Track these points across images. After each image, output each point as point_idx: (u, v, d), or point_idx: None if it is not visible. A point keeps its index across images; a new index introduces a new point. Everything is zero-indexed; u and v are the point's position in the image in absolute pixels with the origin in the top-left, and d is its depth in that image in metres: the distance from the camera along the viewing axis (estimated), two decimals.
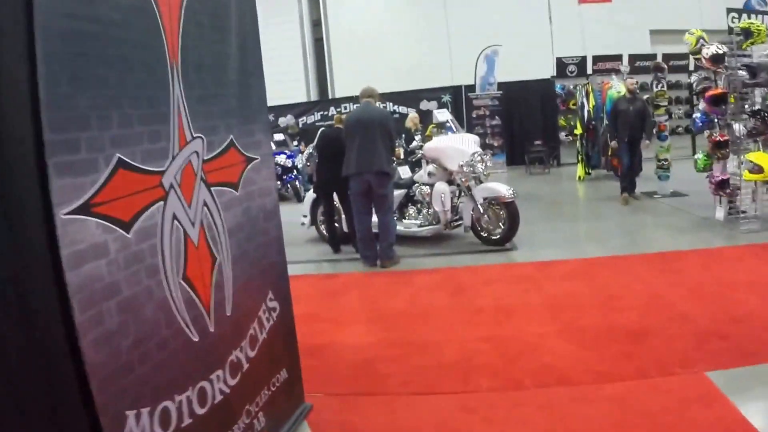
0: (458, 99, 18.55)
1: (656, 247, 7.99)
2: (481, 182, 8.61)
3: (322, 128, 9.72)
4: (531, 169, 16.89)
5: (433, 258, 8.28)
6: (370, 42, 20.03)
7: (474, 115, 17.66)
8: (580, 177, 14.76)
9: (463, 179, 8.51)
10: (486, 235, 8.46)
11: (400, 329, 5.72)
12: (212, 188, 2.87)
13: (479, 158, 8.52)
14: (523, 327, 5.47)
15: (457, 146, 8.71)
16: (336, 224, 9.12)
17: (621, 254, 7.64)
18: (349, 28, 20.79)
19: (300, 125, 19.34)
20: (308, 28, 21.88)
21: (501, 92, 17.83)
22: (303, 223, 9.93)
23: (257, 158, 3.35)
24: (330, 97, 21.03)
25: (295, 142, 17.19)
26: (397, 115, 17.94)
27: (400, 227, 8.89)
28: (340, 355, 5.18)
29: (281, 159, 15.40)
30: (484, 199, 8.34)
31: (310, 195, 9.82)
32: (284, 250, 3.78)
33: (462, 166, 8.40)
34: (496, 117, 17.58)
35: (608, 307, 5.80)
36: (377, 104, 8.52)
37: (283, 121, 19.78)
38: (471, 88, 18.10)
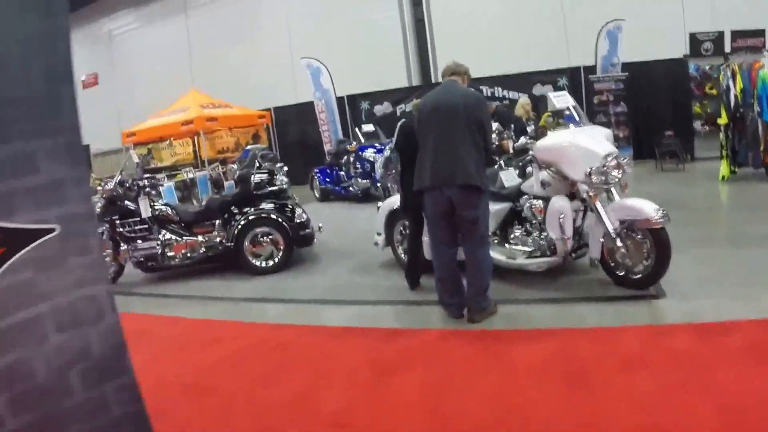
0: (576, 82, 15.60)
1: None
2: (615, 197, 5.92)
3: (402, 120, 7.21)
4: (662, 164, 13.76)
5: (544, 307, 5.66)
6: (476, 20, 17.36)
7: (595, 101, 14.75)
8: (723, 176, 11.46)
9: (591, 193, 5.83)
10: (622, 273, 5.78)
11: None
12: None
13: (614, 162, 5.78)
14: None
15: (584, 145, 5.91)
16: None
17: None
18: (453, 7, 18.11)
19: (398, 113, 17.03)
20: (408, 7, 19.33)
21: (626, 74, 14.84)
22: (376, 243, 7.62)
23: (51, 230, 1.44)
24: (433, 81, 18.34)
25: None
26: (506, 101, 15.35)
27: (500, 256, 6.35)
28: None
29: (369, 153, 13.13)
30: (621, 222, 5.65)
31: (386, 206, 7.45)
32: None
33: (590, 174, 5.70)
34: (621, 103, 14.61)
35: None
36: (466, 86, 5.81)
37: (379, 109, 17.55)
38: (591, 69, 15.20)
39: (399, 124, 6.79)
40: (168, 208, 8.73)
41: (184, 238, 8.53)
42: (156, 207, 8.63)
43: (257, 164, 8.91)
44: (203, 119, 16.50)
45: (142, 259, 8.48)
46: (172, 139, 18.49)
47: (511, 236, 6.56)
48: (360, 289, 6.91)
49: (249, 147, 13.78)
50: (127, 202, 8.52)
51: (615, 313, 5.31)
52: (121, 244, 8.47)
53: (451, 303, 5.54)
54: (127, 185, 8.68)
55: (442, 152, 5.30)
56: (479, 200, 5.34)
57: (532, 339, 4.91)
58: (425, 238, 6.39)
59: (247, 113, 18.53)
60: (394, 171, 6.36)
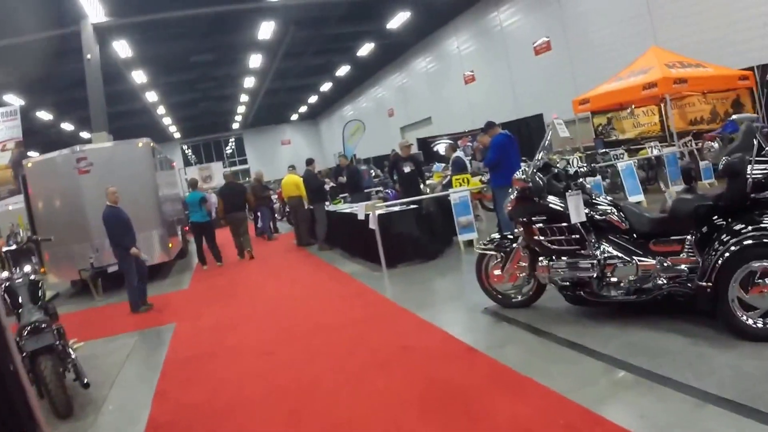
0: None
1: None
2: None
3: None
4: None
5: None
6: None
7: None
8: None
9: None
10: None
11: None
12: None
13: None
14: None
15: None
16: None
17: None
18: None
19: None
20: None
21: None
22: None
23: None
24: None
25: None
26: None
27: None
28: None
29: None
30: None
31: None
32: None
33: None
34: None
35: None
36: None
37: None
38: None
39: None
40: (614, 209, 5.60)
41: (635, 258, 5.32)
42: (597, 207, 5.62)
43: (757, 145, 4.92)
44: (669, 81, 12.85)
45: (567, 282, 5.59)
46: (633, 106, 15.24)
47: None
48: None
49: (734, 117, 9.91)
50: (550, 198, 5.68)
51: None
52: (541, 258, 5.72)
53: None
54: (554, 172, 5.85)
55: None
56: None
57: None
58: None
59: (725, 73, 14.07)
60: None
